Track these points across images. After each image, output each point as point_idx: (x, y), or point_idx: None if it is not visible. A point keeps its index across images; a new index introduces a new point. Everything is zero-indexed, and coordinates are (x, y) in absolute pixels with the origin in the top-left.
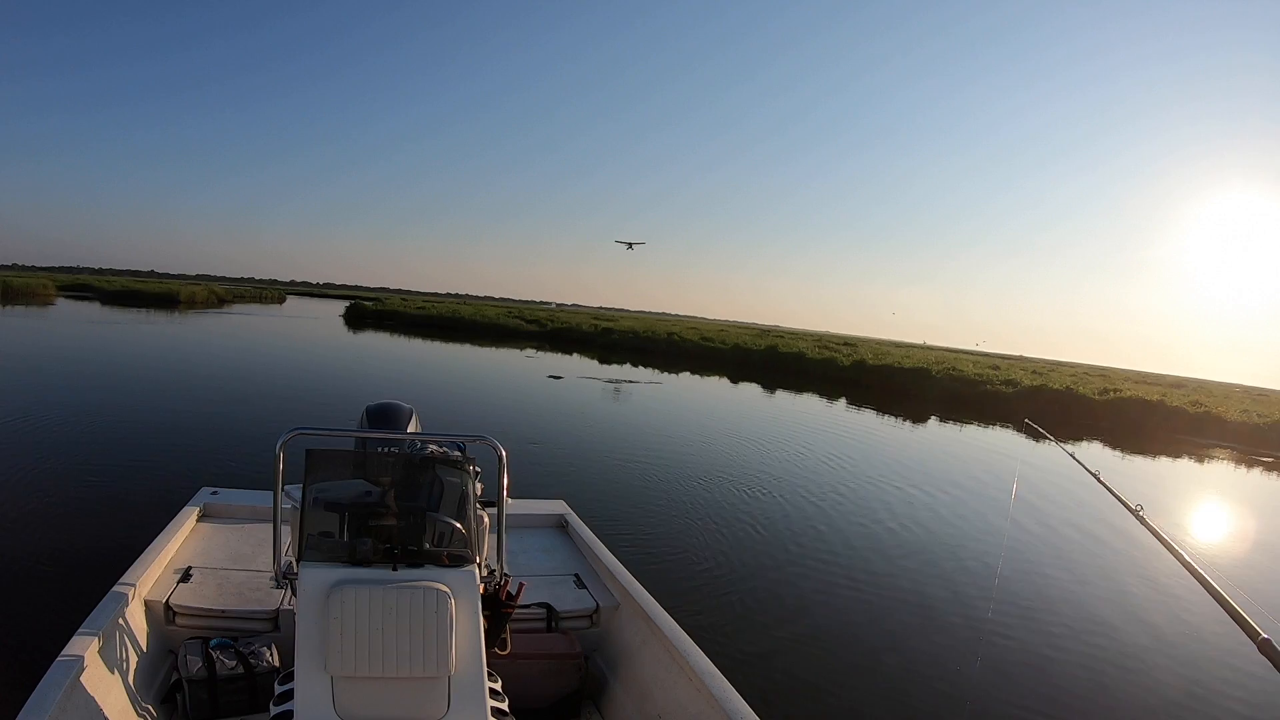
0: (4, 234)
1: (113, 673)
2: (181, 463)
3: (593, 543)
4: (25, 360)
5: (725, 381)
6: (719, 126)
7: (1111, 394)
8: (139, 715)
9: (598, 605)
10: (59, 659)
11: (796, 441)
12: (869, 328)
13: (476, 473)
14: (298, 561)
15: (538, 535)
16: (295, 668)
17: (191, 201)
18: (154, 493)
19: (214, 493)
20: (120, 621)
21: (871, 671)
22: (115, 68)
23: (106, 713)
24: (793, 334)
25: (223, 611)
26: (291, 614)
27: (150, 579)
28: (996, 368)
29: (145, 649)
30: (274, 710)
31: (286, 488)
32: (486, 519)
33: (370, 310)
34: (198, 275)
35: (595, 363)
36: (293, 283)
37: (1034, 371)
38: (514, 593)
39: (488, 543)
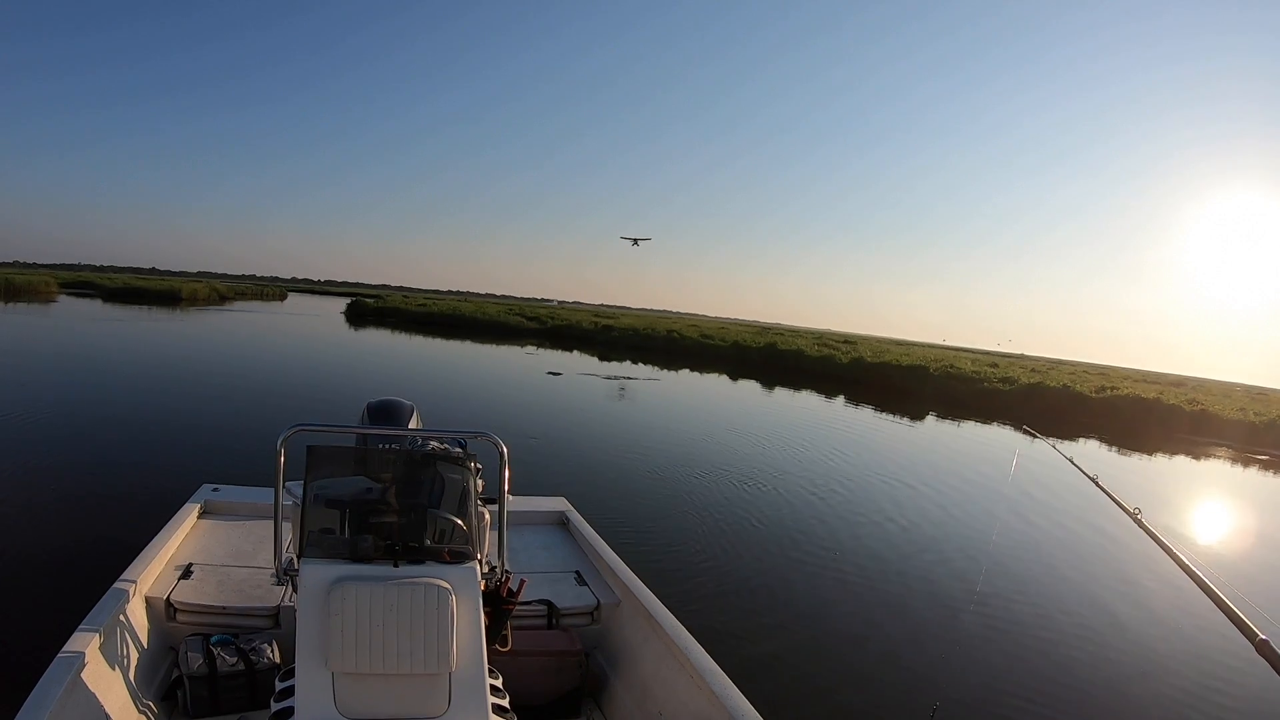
0: (6, 231)
1: (114, 669)
2: (183, 459)
3: (594, 540)
4: (27, 357)
5: (724, 379)
6: (725, 126)
7: (1108, 392)
8: (140, 712)
9: (598, 602)
10: (60, 655)
11: (795, 438)
12: (878, 327)
13: (477, 469)
14: (299, 558)
15: (539, 532)
16: (296, 664)
17: (194, 200)
18: (155, 489)
19: (215, 489)
20: (121, 618)
21: (871, 667)
22: (119, 69)
23: (107, 709)
24: (795, 332)
25: (224, 608)
26: (292, 610)
27: (151, 575)
28: (995, 365)
29: (146, 645)
30: (275, 707)
31: (288, 484)
32: (487, 516)
33: (371, 308)
34: (199, 273)
35: (595, 360)
36: (294, 280)
37: (1032, 370)
38: (515, 589)
39: (489, 539)
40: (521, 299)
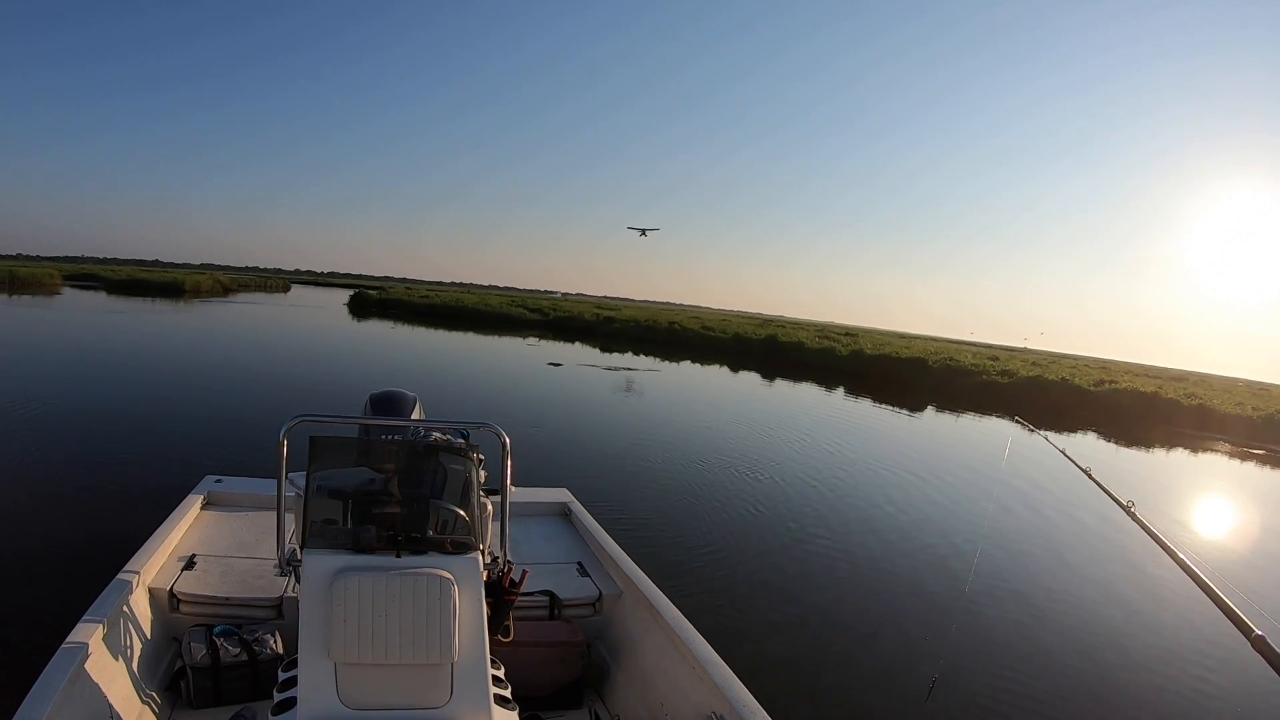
0: (9, 224)
1: (117, 660)
2: (186, 451)
3: (595, 530)
4: (32, 350)
5: (725, 370)
6: (731, 117)
7: (1107, 386)
8: (143, 702)
9: (600, 593)
10: (63, 646)
11: (795, 429)
12: (888, 321)
13: (480, 460)
14: (301, 549)
15: (541, 523)
16: (299, 655)
17: (197, 192)
18: (158, 481)
19: (218, 480)
20: (124, 609)
21: (871, 657)
22: (123, 61)
23: (111, 700)
24: (799, 325)
25: (226, 599)
26: (295, 601)
27: (154, 567)
28: (996, 358)
29: (149, 636)
30: (277, 697)
31: (290, 475)
32: (490, 506)
33: (374, 299)
34: (203, 265)
35: (597, 351)
36: (297, 271)
37: (1033, 363)
38: (517, 580)
39: (491, 530)
40: (525, 291)
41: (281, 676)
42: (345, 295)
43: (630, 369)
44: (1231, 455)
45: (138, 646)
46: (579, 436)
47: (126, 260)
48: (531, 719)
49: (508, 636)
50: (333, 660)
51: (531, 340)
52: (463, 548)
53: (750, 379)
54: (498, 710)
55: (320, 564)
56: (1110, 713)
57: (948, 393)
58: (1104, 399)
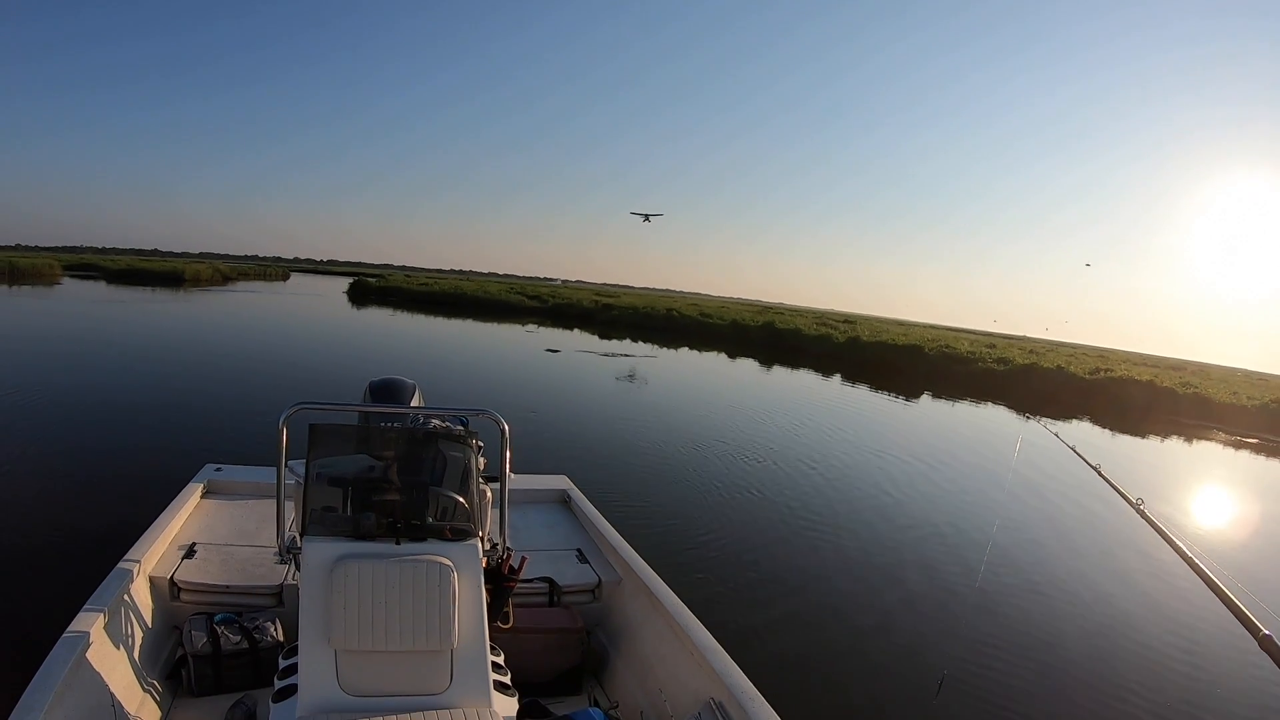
0: (8, 215)
1: (118, 648)
2: (186, 439)
3: (595, 517)
4: (31, 340)
5: (723, 357)
6: (730, 104)
7: (1102, 374)
8: (144, 690)
9: (600, 580)
10: (64, 635)
11: (793, 415)
12: (888, 308)
13: (479, 447)
14: (301, 536)
15: (540, 510)
16: (299, 642)
17: (195, 180)
18: (158, 469)
19: (218, 469)
20: (125, 598)
21: (871, 642)
22: (116, 48)
23: (112, 688)
24: (798, 312)
25: (227, 587)
26: (295, 589)
27: (155, 555)
28: (993, 346)
29: (150, 625)
30: (278, 684)
31: (290, 463)
32: (489, 493)
33: (374, 287)
34: (201, 254)
35: (595, 338)
36: (296, 260)
37: (1030, 351)
38: (516, 567)
39: (490, 517)
40: (525, 278)
41: (282, 664)
42: (344, 283)
43: (628, 355)
44: (1226, 444)
45: (139, 635)
46: (578, 423)
47: (125, 250)
48: (531, 705)
49: (507, 623)
50: (333, 647)
51: (530, 327)
52: (462, 534)
53: (748, 365)
54: (497, 697)
55: (320, 551)
56: (1116, 710)
57: (944, 380)
58: (1099, 387)
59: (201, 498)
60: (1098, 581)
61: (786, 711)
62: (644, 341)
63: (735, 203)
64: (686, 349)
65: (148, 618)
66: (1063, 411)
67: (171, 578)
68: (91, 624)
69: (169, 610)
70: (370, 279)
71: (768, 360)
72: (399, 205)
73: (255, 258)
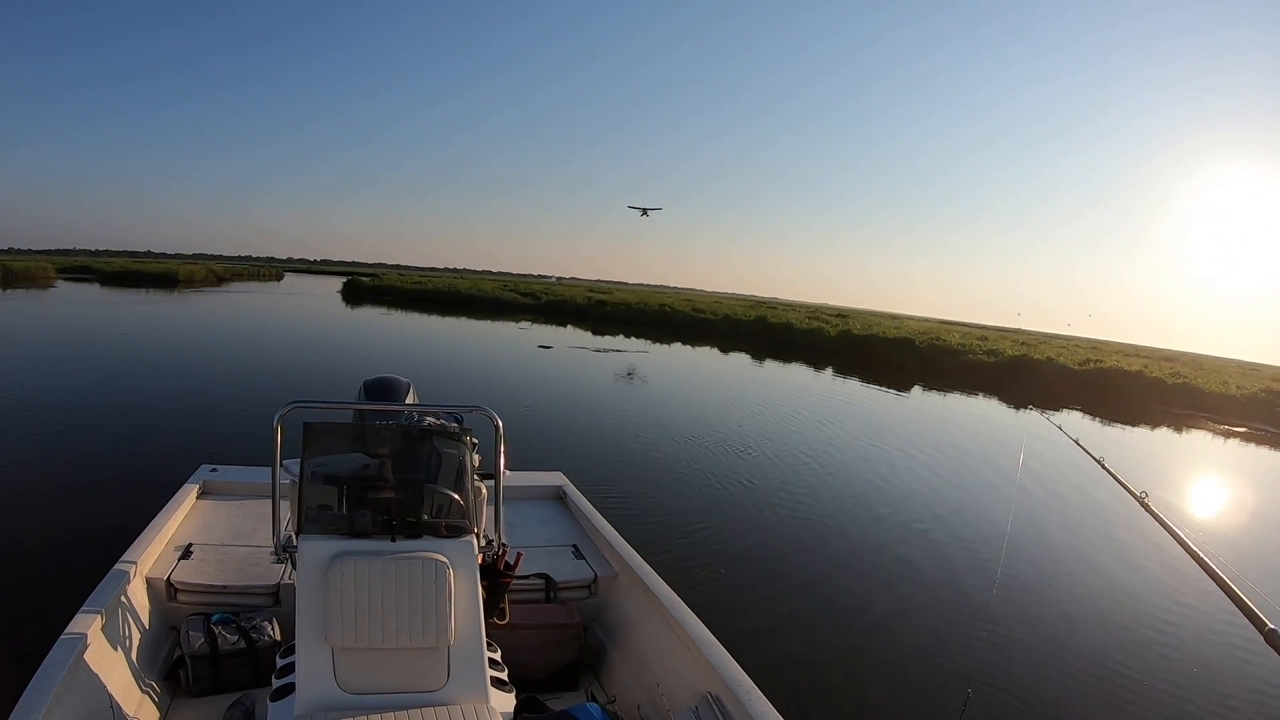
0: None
1: (116, 650)
2: (181, 441)
3: (590, 513)
4: (27, 343)
5: (716, 352)
6: (721, 98)
7: (1093, 365)
8: (142, 691)
9: (596, 575)
10: (62, 637)
11: (786, 408)
12: (884, 303)
13: (474, 444)
14: (297, 535)
15: (536, 506)
16: (296, 640)
17: (187, 181)
18: (154, 471)
19: (213, 470)
20: (122, 599)
21: (868, 640)
22: (106, 49)
23: (110, 690)
24: (790, 306)
25: (224, 587)
26: (292, 588)
27: (151, 556)
28: (984, 338)
29: (148, 626)
30: (276, 683)
31: (286, 462)
32: (484, 490)
33: (368, 286)
34: (195, 255)
35: (589, 334)
36: (290, 260)
37: (1022, 343)
38: (512, 563)
39: (486, 514)
40: (518, 275)
41: (280, 663)
42: (339, 283)
43: (621, 351)
44: (1215, 433)
45: (136, 636)
46: (573, 420)
47: (119, 252)
48: (528, 700)
49: (503, 619)
50: (330, 645)
51: (524, 324)
52: (457, 531)
53: (741, 360)
54: (494, 693)
55: (316, 549)
56: (1120, 704)
57: (935, 372)
58: (1089, 378)
59: (197, 498)
60: (1108, 576)
61: (783, 705)
62: (637, 337)
63: (727, 198)
64: (679, 344)
65: (145, 619)
66: (1054, 402)
67: (168, 579)
68: (89, 625)
69: (166, 611)
70: (364, 278)
71: (760, 355)
72: (392, 203)
73: (249, 258)
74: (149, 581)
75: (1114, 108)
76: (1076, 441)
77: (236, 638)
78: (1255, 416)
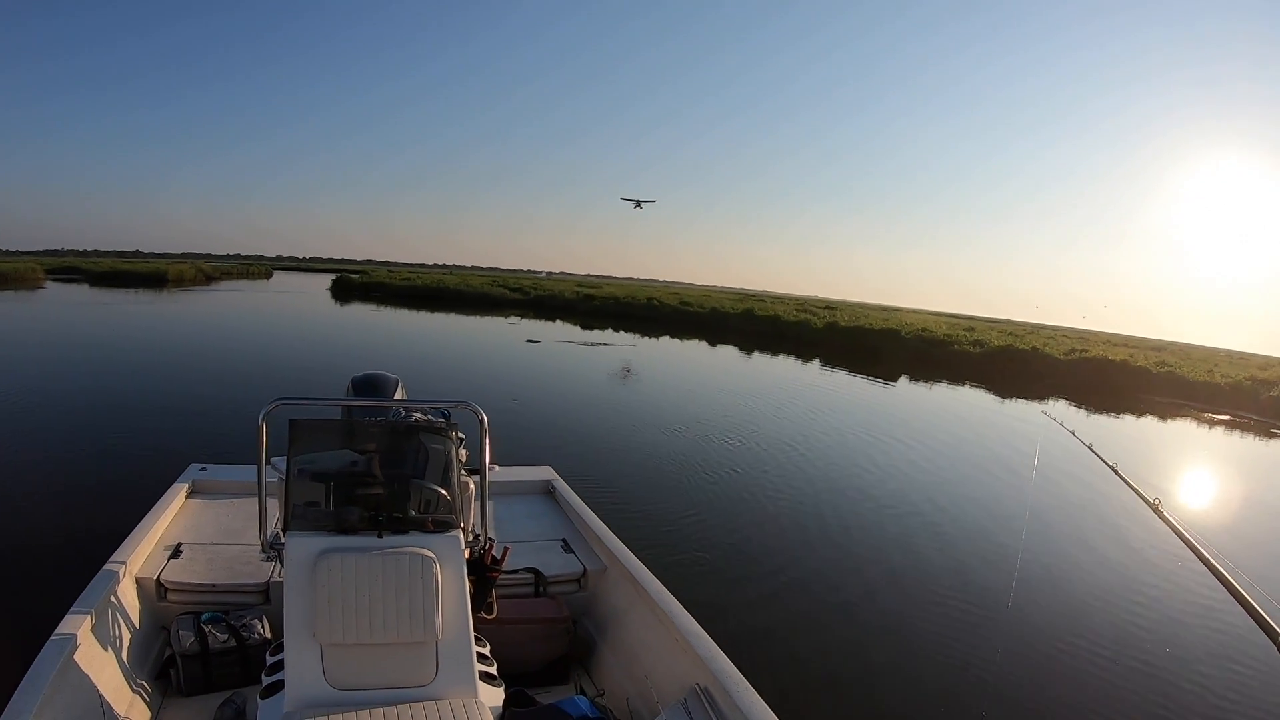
0: None
1: (106, 650)
2: (170, 440)
3: (579, 507)
4: (15, 345)
5: (704, 345)
6: (709, 90)
7: (1078, 354)
8: (133, 691)
9: (585, 569)
10: (52, 638)
11: (773, 400)
12: (873, 295)
13: (460, 439)
14: (284, 532)
15: (525, 501)
16: (284, 638)
17: (174, 181)
18: (143, 471)
19: (202, 469)
20: (112, 599)
21: (857, 631)
22: (92, 52)
23: (101, 690)
24: (779, 299)
25: (213, 586)
26: (282, 586)
27: (141, 556)
28: (972, 329)
29: (138, 626)
30: (265, 681)
31: (273, 460)
32: (472, 485)
33: (357, 283)
34: (184, 254)
35: (577, 328)
36: (279, 258)
37: (1010, 333)
38: (499, 557)
39: (473, 508)
40: (507, 270)
41: (269, 660)
42: (328, 280)
43: (609, 345)
44: (1199, 421)
45: (126, 636)
46: (562, 414)
47: (107, 252)
48: (517, 694)
49: (491, 614)
50: (318, 642)
51: (513, 319)
52: (444, 526)
53: (729, 353)
54: (483, 687)
55: (303, 546)
56: (1123, 712)
57: (922, 363)
58: (1074, 367)
59: (187, 498)
60: (1108, 579)
61: (772, 697)
62: (625, 331)
63: (717, 190)
64: (668, 337)
65: (135, 618)
66: (1041, 392)
67: (158, 578)
68: (79, 626)
69: (156, 610)
70: (353, 275)
71: (748, 347)
72: (381, 200)
73: (238, 256)
74: (139, 581)
75: (1105, 97)
76: (1090, 447)
77: (227, 636)
78: (1239, 404)
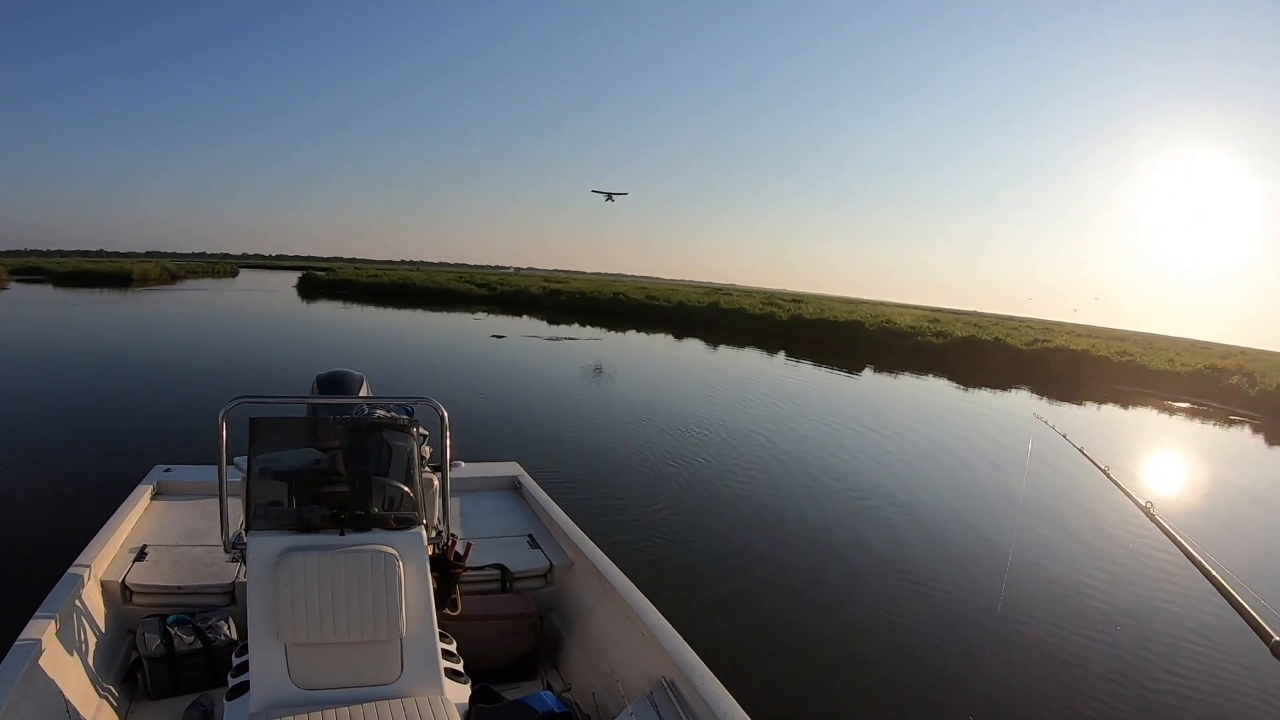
0: None
1: (72, 654)
2: (135, 442)
3: (546, 503)
4: None
5: (670, 339)
6: (684, 84)
7: (1039, 345)
8: (100, 696)
9: (551, 565)
10: (16, 643)
11: (738, 394)
12: (848, 288)
13: (423, 435)
14: (246, 531)
15: (491, 497)
16: (248, 638)
17: (138, 180)
18: (108, 473)
19: (167, 470)
20: (77, 603)
21: (825, 623)
22: (56, 55)
23: (67, 694)
24: (746, 292)
25: (179, 588)
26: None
27: (106, 559)
28: (936, 320)
29: (104, 629)
30: (231, 682)
31: (237, 459)
32: (435, 481)
33: (323, 280)
34: (148, 252)
35: (543, 324)
36: (245, 255)
37: (975, 324)
38: (462, 553)
39: (438, 505)
40: (474, 266)
41: (235, 661)
42: (294, 278)
43: (574, 339)
44: (1158, 409)
45: (92, 640)
46: (527, 409)
47: (71, 252)
48: (484, 691)
49: (456, 610)
50: (282, 641)
51: (479, 315)
52: (406, 523)
53: (694, 346)
54: (449, 683)
55: (265, 545)
56: (1116, 715)
57: (886, 354)
58: (1036, 357)
59: (152, 499)
60: (1098, 581)
61: (739, 690)
62: (591, 326)
63: (692, 186)
64: (634, 332)
65: (101, 622)
66: (1003, 381)
67: (123, 581)
68: (43, 631)
69: (122, 614)
70: (320, 272)
71: (714, 340)
72: (351, 198)
73: (203, 255)
74: (104, 584)
75: (1072, 91)
76: (1082, 451)
77: (193, 638)
78: (1197, 392)
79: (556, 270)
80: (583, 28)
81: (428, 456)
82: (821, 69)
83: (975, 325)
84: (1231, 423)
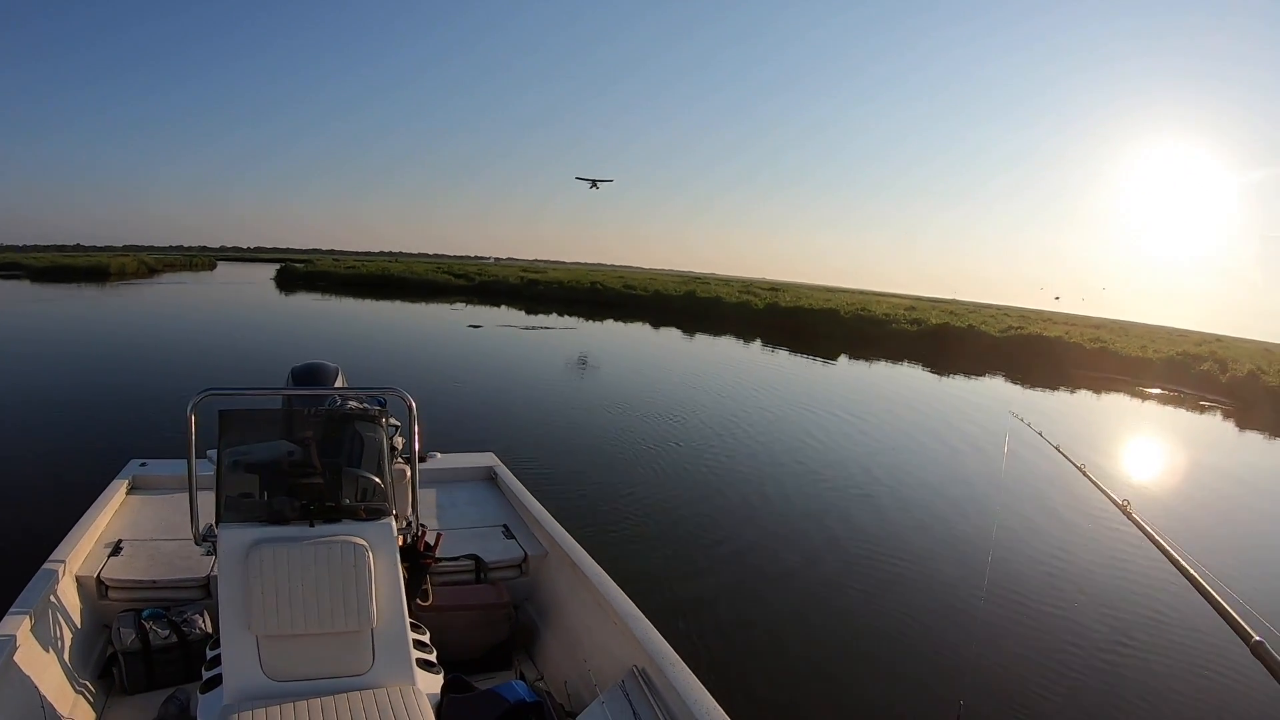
0: None
1: (47, 651)
2: (110, 436)
3: (521, 493)
4: None
5: (647, 327)
6: (676, 76)
7: (1013, 332)
8: (76, 691)
9: (526, 555)
10: None
11: (714, 382)
12: (842, 279)
13: (395, 426)
14: (217, 524)
15: (466, 488)
16: (221, 631)
17: (114, 175)
18: (83, 468)
19: (142, 464)
20: (52, 599)
21: (797, 612)
22: (42, 61)
23: (43, 690)
24: (725, 281)
25: (154, 582)
26: None
27: (81, 554)
28: (913, 308)
29: (79, 625)
30: (205, 675)
31: (210, 452)
32: (408, 472)
33: (300, 272)
34: (125, 246)
35: (521, 313)
36: (223, 248)
37: (950, 312)
38: (432, 544)
39: (410, 496)
40: (454, 257)
41: (209, 655)
42: (272, 270)
43: (550, 328)
44: (1130, 394)
45: (67, 636)
46: (503, 398)
47: (47, 247)
48: (456, 681)
49: (427, 600)
50: (254, 634)
51: (457, 305)
52: (376, 514)
53: (671, 335)
54: (421, 674)
55: (235, 538)
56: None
57: (861, 341)
58: (1010, 344)
59: (127, 494)
60: (1079, 578)
61: (710, 679)
62: (568, 315)
63: (682, 177)
64: (611, 321)
65: (76, 618)
66: (978, 368)
67: (98, 576)
68: (18, 627)
69: (97, 609)
70: (298, 265)
71: (691, 329)
72: (344, 194)
73: (180, 248)
74: (79, 580)
75: (1056, 84)
76: (1058, 448)
77: (168, 632)
78: (1169, 378)
79: (536, 260)
80: (571, 25)
81: (400, 447)
82: (814, 61)
83: (950, 313)
84: (1203, 409)
